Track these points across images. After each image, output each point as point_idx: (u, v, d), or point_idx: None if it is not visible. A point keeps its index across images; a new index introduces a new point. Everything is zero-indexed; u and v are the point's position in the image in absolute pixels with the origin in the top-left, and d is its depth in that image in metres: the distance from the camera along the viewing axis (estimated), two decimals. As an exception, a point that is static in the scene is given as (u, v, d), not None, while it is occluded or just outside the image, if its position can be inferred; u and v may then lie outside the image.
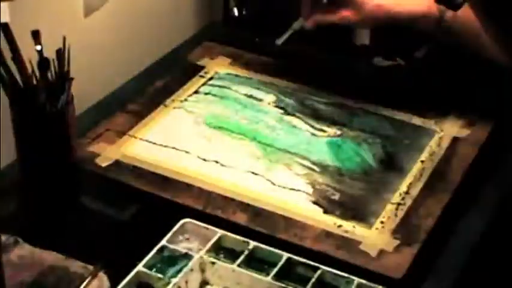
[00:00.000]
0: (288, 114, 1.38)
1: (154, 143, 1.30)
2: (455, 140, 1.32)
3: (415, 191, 1.22)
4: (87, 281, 1.03)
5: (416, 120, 1.37)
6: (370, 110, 1.39)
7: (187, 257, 1.07)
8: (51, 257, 1.07)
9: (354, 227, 1.16)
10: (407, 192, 1.22)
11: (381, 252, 1.12)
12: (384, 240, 1.14)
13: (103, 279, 1.05)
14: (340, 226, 1.16)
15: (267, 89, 1.43)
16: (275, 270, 1.05)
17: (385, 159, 1.29)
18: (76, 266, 1.06)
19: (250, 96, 1.41)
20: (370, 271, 1.09)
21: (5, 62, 1.12)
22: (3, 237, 1.07)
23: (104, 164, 1.25)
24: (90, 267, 1.06)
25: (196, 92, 1.42)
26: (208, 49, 1.54)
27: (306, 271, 1.06)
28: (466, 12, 1.33)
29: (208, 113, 1.37)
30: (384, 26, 1.36)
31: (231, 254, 1.09)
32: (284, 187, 1.22)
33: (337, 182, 1.24)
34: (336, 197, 1.21)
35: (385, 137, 1.33)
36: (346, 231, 1.15)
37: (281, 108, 1.39)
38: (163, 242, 1.09)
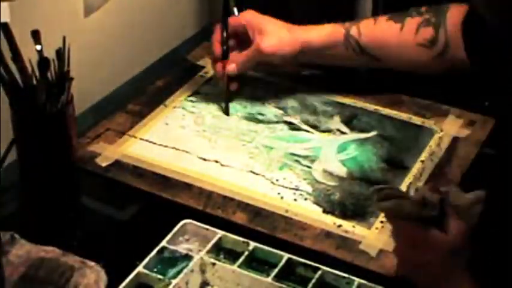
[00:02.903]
0: (288, 114, 1.38)
1: (154, 143, 1.30)
2: (455, 140, 1.32)
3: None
4: None
5: (417, 120, 1.37)
6: (370, 110, 1.39)
7: (187, 258, 1.07)
8: (48, 252, 1.08)
9: (353, 227, 1.16)
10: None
11: (381, 252, 1.12)
12: (384, 240, 1.14)
13: (100, 273, 1.05)
14: (340, 226, 1.16)
15: (267, 89, 1.43)
16: (275, 271, 1.05)
17: (385, 159, 1.29)
18: (73, 260, 1.06)
19: (250, 97, 1.41)
20: (370, 271, 1.09)
21: (5, 62, 1.12)
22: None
23: (104, 164, 1.25)
24: (90, 263, 1.06)
25: (196, 92, 1.42)
26: (208, 49, 1.53)
27: (306, 272, 1.06)
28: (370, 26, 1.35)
29: (209, 113, 1.37)
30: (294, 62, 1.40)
31: (232, 255, 1.09)
32: (284, 187, 1.22)
33: (337, 181, 1.24)
34: (336, 197, 1.21)
35: (385, 137, 1.33)
36: (346, 231, 1.15)
37: (281, 108, 1.39)
38: (164, 243, 1.09)
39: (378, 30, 1.35)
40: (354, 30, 1.35)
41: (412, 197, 1.00)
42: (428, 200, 0.98)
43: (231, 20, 1.39)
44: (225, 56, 1.37)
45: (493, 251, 0.97)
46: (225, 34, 1.38)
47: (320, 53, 1.36)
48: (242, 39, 1.38)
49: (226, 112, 1.37)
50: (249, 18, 1.37)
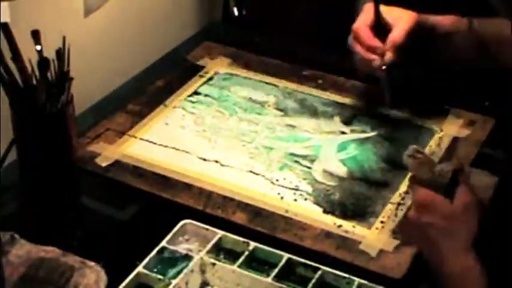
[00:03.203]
0: (288, 114, 1.38)
1: (154, 143, 1.30)
2: (455, 140, 1.32)
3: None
4: None
5: (416, 120, 1.37)
6: (370, 110, 1.39)
7: (187, 258, 1.07)
8: (48, 252, 1.08)
9: (353, 227, 1.16)
10: (407, 192, 1.21)
11: (381, 252, 1.12)
12: (384, 240, 1.14)
13: (100, 273, 1.05)
14: (340, 226, 1.16)
15: (266, 89, 1.43)
16: (275, 271, 1.05)
17: (385, 159, 1.29)
18: (73, 260, 1.06)
19: (250, 97, 1.41)
20: (370, 271, 1.09)
21: (5, 62, 1.12)
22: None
23: (104, 164, 1.25)
24: (90, 263, 1.06)
25: (196, 92, 1.42)
26: (208, 49, 1.54)
27: (307, 272, 1.06)
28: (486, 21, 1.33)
29: (209, 114, 1.37)
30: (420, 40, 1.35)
31: (232, 255, 1.09)
32: (284, 187, 1.22)
33: (337, 181, 1.24)
34: (336, 197, 1.21)
35: (385, 137, 1.33)
36: (346, 231, 1.15)
37: (281, 108, 1.39)
38: (164, 243, 1.09)
39: (496, 26, 1.32)
40: (475, 23, 1.33)
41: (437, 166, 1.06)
42: (442, 169, 1.04)
43: (366, 19, 1.32)
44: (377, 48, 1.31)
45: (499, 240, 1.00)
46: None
47: (447, 35, 1.33)
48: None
49: (392, 105, 1.34)
50: (386, 12, 1.33)
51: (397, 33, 1.30)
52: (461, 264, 1.00)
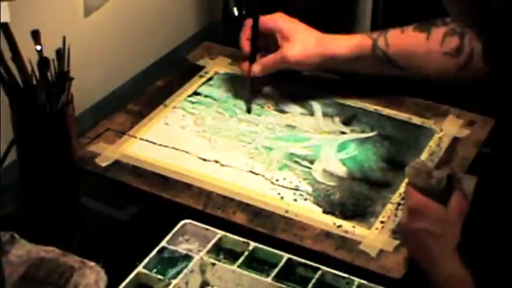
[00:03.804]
0: (288, 114, 1.38)
1: (154, 143, 1.30)
2: (455, 140, 1.32)
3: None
4: None
5: (416, 120, 1.37)
6: (370, 110, 1.39)
7: (187, 258, 1.07)
8: (48, 252, 1.08)
9: (353, 227, 1.16)
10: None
11: (381, 252, 1.12)
12: (384, 240, 1.14)
13: (100, 273, 1.05)
14: (340, 226, 1.16)
15: (266, 89, 1.43)
16: (275, 271, 1.05)
17: (385, 158, 1.29)
18: (73, 260, 1.06)
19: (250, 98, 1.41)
20: (370, 271, 1.09)
21: (5, 62, 1.12)
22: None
23: (103, 164, 1.25)
24: (90, 263, 1.06)
25: (196, 92, 1.42)
26: (208, 49, 1.54)
27: (307, 272, 1.06)
28: (396, 35, 1.35)
29: (208, 114, 1.37)
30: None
31: (231, 255, 1.09)
32: (284, 187, 1.22)
33: (337, 181, 1.24)
34: (336, 197, 1.21)
35: (385, 137, 1.33)
36: (346, 231, 1.15)
37: (281, 108, 1.39)
38: (163, 243, 1.09)
39: (405, 41, 1.35)
40: (381, 41, 1.35)
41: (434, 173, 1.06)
42: (437, 176, 1.04)
43: (261, 21, 1.38)
44: (252, 59, 1.37)
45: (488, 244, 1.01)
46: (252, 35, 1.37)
47: (347, 63, 1.37)
48: (270, 40, 1.37)
49: (248, 110, 1.37)
50: (279, 22, 1.37)
51: (258, 68, 1.37)
52: (453, 269, 1.00)
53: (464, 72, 1.33)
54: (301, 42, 1.35)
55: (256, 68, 1.37)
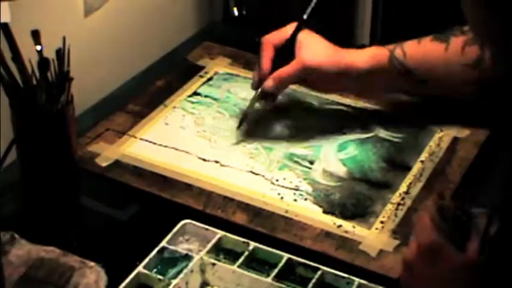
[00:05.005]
0: (287, 114, 1.38)
1: (154, 143, 1.30)
2: (455, 140, 1.32)
3: (415, 191, 1.22)
4: None
5: (417, 120, 1.37)
6: (370, 110, 1.39)
7: (187, 258, 1.07)
8: (48, 252, 1.08)
9: (353, 227, 1.16)
10: (407, 192, 1.22)
11: (381, 252, 1.12)
12: (384, 240, 1.14)
13: (100, 273, 1.05)
14: (340, 226, 1.16)
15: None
16: (275, 271, 1.05)
17: (385, 159, 1.29)
18: (73, 260, 1.06)
19: (250, 98, 1.41)
20: (370, 271, 1.09)
21: (5, 62, 1.12)
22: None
23: (104, 164, 1.25)
24: (90, 263, 1.06)
25: (196, 92, 1.42)
26: (208, 49, 1.54)
27: (307, 272, 1.06)
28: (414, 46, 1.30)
29: (209, 114, 1.37)
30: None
31: (231, 255, 1.09)
32: (284, 187, 1.22)
33: (337, 181, 1.24)
34: (336, 197, 1.21)
35: (385, 137, 1.33)
36: (346, 231, 1.15)
37: (281, 108, 1.39)
38: (164, 243, 1.09)
39: (423, 51, 1.29)
40: (398, 52, 1.29)
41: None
42: (446, 213, 0.95)
43: (281, 37, 1.30)
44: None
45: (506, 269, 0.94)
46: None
47: (364, 77, 1.29)
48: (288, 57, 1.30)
49: (239, 125, 1.32)
50: (300, 37, 1.29)
51: (270, 84, 1.28)
52: None
53: (483, 84, 1.26)
54: (319, 49, 1.29)
55: (268, 84, 1.28)
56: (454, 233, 0.93)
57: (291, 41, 1.29)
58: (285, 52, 1.29)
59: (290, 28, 1.30)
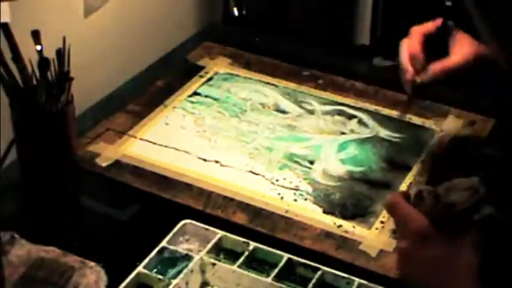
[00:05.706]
0: (288, 114, 1.38)
1: (154, 143, 1.30)
2: (455, 140, 1.32)
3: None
4: None
5: (417, 120, 1.37)
6: (370, 110, 1.39)
7: (187, 258, 1.07)
8: (48, 252, 1.08)
9: (353, 227, 1.16)
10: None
11: (381, 252, 1.12)
12: (384, 240, 1.14)
13: (100, 273, 1.05)
14: (340, 226, 1.16)
15: (266, 90, 1.43)
16: (275, 271, 1.05)
17: (385, 159, 1.29)
18: (73, 260, 1.06)
19: (250, 98, 1.41)
20: (370, 271, 1.09)
21: (5, 62, 1.12)
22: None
23: (104, 164, 1.25)
24: (90, 263, 1.06)
25: (196, 92, 1.42)
26: (208, 49, 1.54)
27: (307, 272, 1.06)
28: None
29: (209, 114, 1.37)
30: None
31: (232, 255, 1.09)
32: (284, 187, 1.22)
33: (337, 181, 1.24)
34: (336, 197, 1.21)
35: (385, 137, 1.33)
36: (346, 231, 1.15)
37: (281, 108, 1.39)
38: (164, 243, 1.09)
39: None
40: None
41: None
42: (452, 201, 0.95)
43: (428, 26, 1.28)
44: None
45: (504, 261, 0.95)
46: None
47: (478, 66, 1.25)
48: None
49: (403, 113, 1.32)
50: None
51: (453, 62, 1.24)
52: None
53: None
54: (461, 43, 1.25)
55: (424, 76, 1.25)
56: (434, 214, 0.95)
57: (443, 30, 1.26)
58: (434, 41, 1.26)
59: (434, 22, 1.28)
